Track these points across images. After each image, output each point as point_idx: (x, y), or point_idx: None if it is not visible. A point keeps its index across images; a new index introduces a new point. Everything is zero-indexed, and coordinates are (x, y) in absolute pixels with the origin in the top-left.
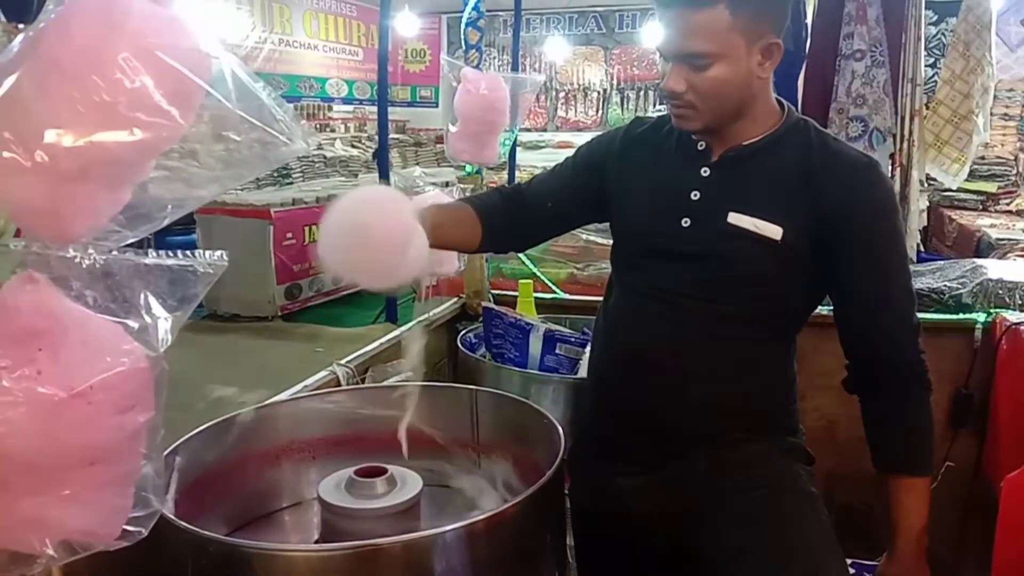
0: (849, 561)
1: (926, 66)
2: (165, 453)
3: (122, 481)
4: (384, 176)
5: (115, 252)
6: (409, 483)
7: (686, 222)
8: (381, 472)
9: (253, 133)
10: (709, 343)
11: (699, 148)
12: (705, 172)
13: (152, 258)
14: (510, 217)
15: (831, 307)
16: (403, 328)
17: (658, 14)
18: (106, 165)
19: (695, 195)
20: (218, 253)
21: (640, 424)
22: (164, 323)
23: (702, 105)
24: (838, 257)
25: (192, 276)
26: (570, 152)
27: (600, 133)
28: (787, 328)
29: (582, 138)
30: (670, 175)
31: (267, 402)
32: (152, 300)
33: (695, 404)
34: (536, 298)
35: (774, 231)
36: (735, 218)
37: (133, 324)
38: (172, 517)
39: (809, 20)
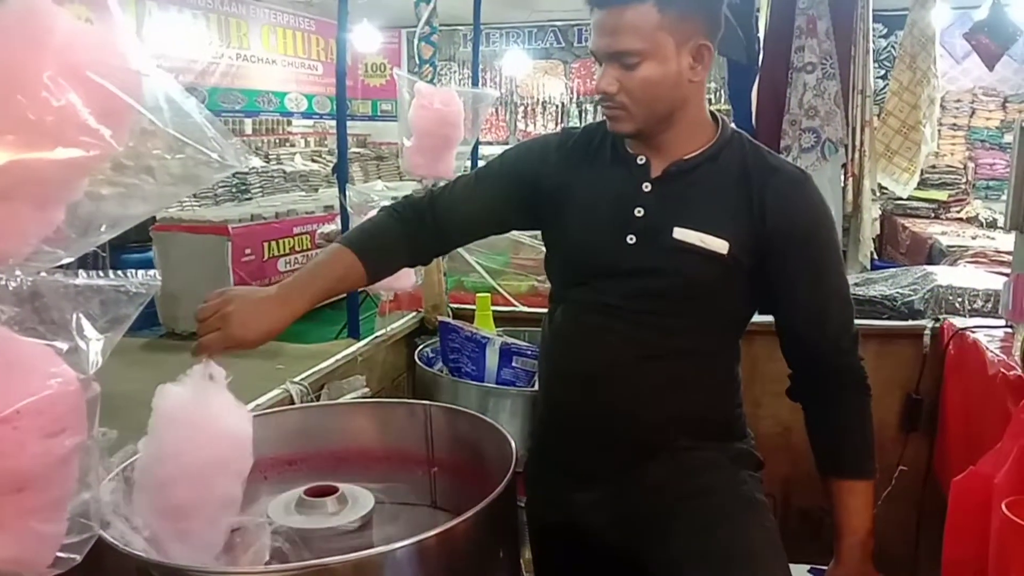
0: (807, 567)
1: (878, 78)
2: (111, 475)
3: (53, 507)
4: (343, 190)
5: (43, 273)
6: (361, 501)
7: (631, 239)
8: (332, 491)
9: (186, 152)
10: (657, 356)
11: (639, 163)
12: (646, 187)
13: (83, 279)
14: (416, 239)
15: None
16: (362, 343)
17: (591, 17)
18: (33, 184)
19: (639, 211)
20: (151, 272)
21: (591, 439)
22: (96, 344)
23: (633, 106)
24: (781, 268)
25: (125, 296)
26: None
27: (527, 141)
28: (731, 336)
29: None
30: (611, 191)
31: None
32: (83, 321)
33: (645, 417)
34: (494, 311)
35: (720, 245)
36: (681, 233)
37: (62, 346)
38: (113, 541)
39: (761, 34)
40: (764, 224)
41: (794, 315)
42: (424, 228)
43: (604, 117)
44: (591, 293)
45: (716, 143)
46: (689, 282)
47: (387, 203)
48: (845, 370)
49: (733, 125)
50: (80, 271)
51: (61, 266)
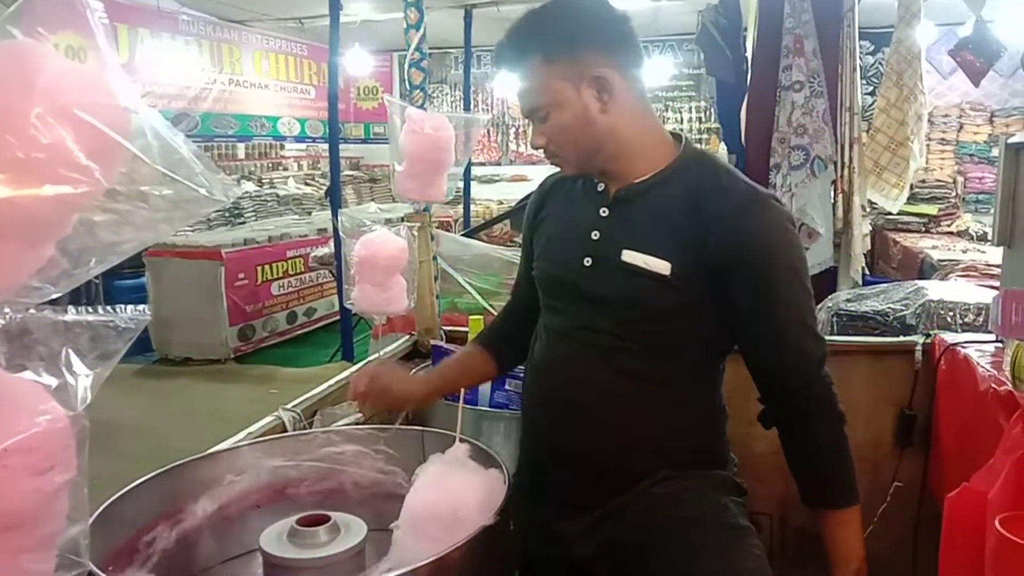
0: None
1: (866, 94)
2: (103, 507)
3: (42, 545)
4: (336, 213)
5: (32, 310)
6: (353, 530)
7: (588, 261)
8: (324, 520)
9: (173, 187)
10: (626, 382)
11: (599, 189)
12: (604, 212)
13: (72, 315)
14: (515, 333)
15: None
16: (355, 368)
17: None
18: (22, 222)
19: (595, 235)
20: (140, 307)
21: (570, 466)
22: (85, 380)
23: (563, 152)
24: (731, 293)
25: (114, 331)
26: (524, 185)
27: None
28: (703, 361)
29: (536, 171)
30: (575, 217)
31: (208, 451)
32: (72, 357)
33: (620, 444)
34: None
35: (662, 267)
36: (628, 256)
37: (51, 382)
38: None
39: (749, 54)
40: (708, 247)
41: (751, 342)
42: (520, 328)
43: None
44: (560, 318)
45: (672, 165)
46: (640, 305)
47: (380, 226)
48: (811, 398)
49: (723, 148)
50: (70, 307)
51: (50, 301)
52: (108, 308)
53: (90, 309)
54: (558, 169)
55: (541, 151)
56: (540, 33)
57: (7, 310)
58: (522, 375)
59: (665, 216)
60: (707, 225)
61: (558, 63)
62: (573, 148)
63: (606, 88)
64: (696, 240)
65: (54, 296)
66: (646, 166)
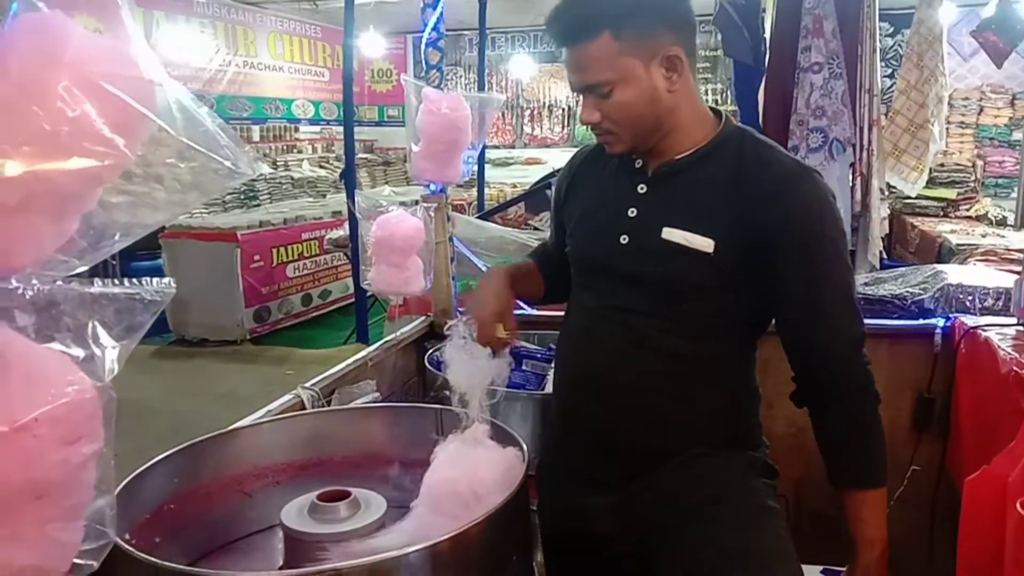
0: (820, 568)
1: (885, 76)
2: (125, 482)
3: (71, 515)
4: (351, 196)
5: (59, 282)
6: (373, 506)
7: (624, 239)
8: (344, 496)
9: (198, 160)
10: (658, 359)
11: (636, 166)
12: (642, 189)
13: (98, 287)
14: (555, 275)
15: None
16: (372, 348)
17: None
18: (49, 195)
19: (632, 212)
20: (166, 280)
21: (599, 443)
22: (111, 352)
23: (618, 129)
24: (772, 268)
25: (139, 304)
26: (538, 168)
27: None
28: (739, 341)
29: (550, 154)
30: (610, 194)
31: (228, 428)
32: (99, 329)
33: (650, 421)
34: None
35: (706, 244)
36: (668, 233)
37: (79, 354)
38: (129, 548)
39: (767, 35)
40: (751, 222)
41: (789, 316)
42: (550, 271)
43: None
44: (594, 295)
45: (712, 141)
46: (680, 282)
47: (395, 207)
48: (847, 376)
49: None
50: (95, 279)
51: (75, 275)
52: (134, 281)
53: (116, 282)
54: (587, 145)
55: (591, 126)
56: (610, 5)
57: (35, 282)
58: (539, 356)
59: (707, 193)
60: (750, 200)
61: (627, 40)
62: (632, 125)
63: (676, 68)
64: (740, 216)
65: (80, 270)
66: (688, 143)
